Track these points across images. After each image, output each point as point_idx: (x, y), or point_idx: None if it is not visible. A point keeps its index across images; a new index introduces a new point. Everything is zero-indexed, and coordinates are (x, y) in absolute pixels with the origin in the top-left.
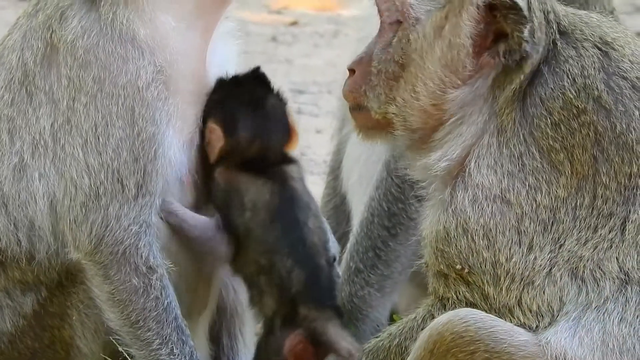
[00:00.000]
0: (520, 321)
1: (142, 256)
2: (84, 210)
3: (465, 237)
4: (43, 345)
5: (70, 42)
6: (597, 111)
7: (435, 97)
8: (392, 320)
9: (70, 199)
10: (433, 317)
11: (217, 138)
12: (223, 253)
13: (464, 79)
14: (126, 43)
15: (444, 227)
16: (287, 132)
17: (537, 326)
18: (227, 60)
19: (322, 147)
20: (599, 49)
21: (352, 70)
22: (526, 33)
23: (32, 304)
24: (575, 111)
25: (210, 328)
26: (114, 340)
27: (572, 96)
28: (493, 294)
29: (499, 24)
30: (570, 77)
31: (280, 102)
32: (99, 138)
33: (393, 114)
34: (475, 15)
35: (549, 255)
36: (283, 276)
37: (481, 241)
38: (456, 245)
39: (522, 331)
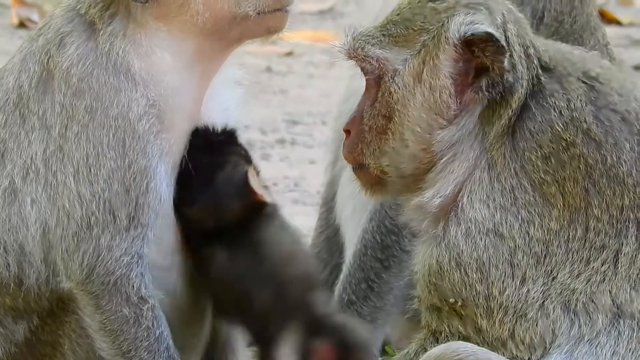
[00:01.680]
0: (513, 354)
1: (133, 286)
2: (75, 240)
3: (458, 271)
4: None
5: (66, 69)
6: (587, 144)
7: (423, 141)
8: (384, 352)
9: (63, 228)
10: (425, 351)
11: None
12: None
13: (450, 119)
14: (120, 74)
15: (437, 260)
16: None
17: (529, 359)
18: (227, 106)
19: (316, 178)
20: (584, 82)
21: (347, 131)
22: (506, 63)
23: (23, 331)
24: (564, 144)
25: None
26: None
27: (559, 129)
28: (486, 327)
29: (478, 58)
30: (556, 110)
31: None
32: (90, 168)
33: (387, 165)
34: (452, 54)
35: (542, 287)
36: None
37: (474, 274)
38: (449, 279)
39: None
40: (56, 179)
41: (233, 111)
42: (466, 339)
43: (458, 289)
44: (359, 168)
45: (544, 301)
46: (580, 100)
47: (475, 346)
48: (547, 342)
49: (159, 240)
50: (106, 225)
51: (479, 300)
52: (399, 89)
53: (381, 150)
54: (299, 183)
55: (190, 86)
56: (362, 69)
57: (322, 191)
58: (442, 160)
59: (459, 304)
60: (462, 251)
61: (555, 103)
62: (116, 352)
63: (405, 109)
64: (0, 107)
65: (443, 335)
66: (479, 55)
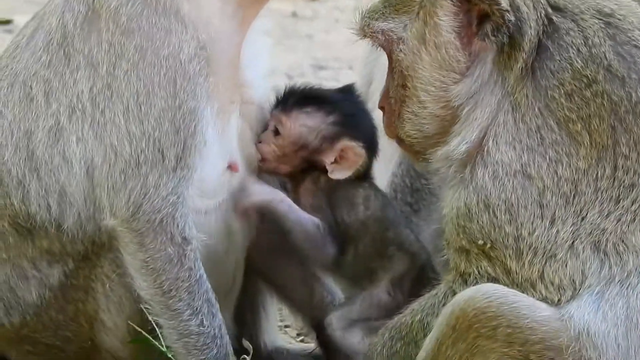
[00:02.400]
0: (542, 295)
1: (178, 226)
2: (123, 177)
3: (487, 213)
4: (67, 318)
5: (114, 8)
6: (609, 80)
7: (440, 99)
8: None
9: (110, 165)
10: (454, 293)
11: (358, 155)
12: (328, 254)
13: (462, 72)
14: (170, 15)
15: (465, 203)
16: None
17: (559, 300)
18: (258, 55)
19: None
20: (599, 19)
21: (382, 108)
22: (504, 4)
23: (58, 275)
24: (585, 81)
25: (234, 306)
26: (143, 308)
27: (579, 66)
28: (515, 268)
29: (476, 6)
30: (574, 47)
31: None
32: (140, 106)
33: (411, 130)
34: (450, 8)
35: (572, 228)
36: (413, 246)
37: (503, 216)
38: (478, 221)
39: (544, 306)
40: (104, 116)
41: (263, 59)
42: (495, 280)
43: (487, 231)
44: (400, 142)
45: (573, 241)
46: (598, 36)
47: (505, 288)
48: (577, 283)
49: (201, 184)
50: (155, 164)
51: (508, 241)
52: (407, 54)
53: (403, 118)
54: None
55: (234, 32)
56: (375, 44)
57: None
58: (465, 112)
59: (488, 245)
60: (490, 193)
61: (572, 41)
62: (156, 292)
63: (415, 72)
64: (44, 47)
65: (472, 277)
66: (477, 3)
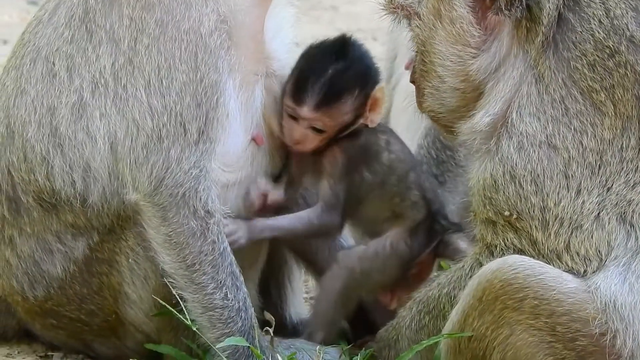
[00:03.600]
0: (569, 266)
1: (200, 199)
2: (145, 151)
3: (513, 184)
4: (91, 291)
5: None
6: (632, 51)
7: (458, 73)
8: (439, 267)
9: (132, 140)
10: (481, 265)
11: (382, 94)
12: (337, 225)
13: (478, 46)
14: None
15: (491, 174)
16: None
17: (585, 271)
18: (282, 27)
19: None
20: None
21: (414, 82)
22: None
23: (82, 249)
24: (608, 51)
25: (259, 279)
26: (167, 282)
27: (601, 37)
28: (541, 239)
29: None
30: (595, 19)
31: None
32: (162, 81)
33: (432, 104)
34: None
35: (597, 198)
36: (429, 192)
37: (529, 187)
38: (504, 192)
39: (570, 278)
40: (126, 91)
41: (287, 30)
42: (521, 252)
43: (513, 202)
44: (433, 119)
45: (599, 212)
46: (620, 8)
47: (532, 260)
48: (603, 254)
49: (224, 156)
50: (177, 138)
51: (534, 212)
52: (423, 29)
53: (424, 93)
54: None
55: (255, 4)
56: (398, 19)
57: None
58: (488, 86)
59: (514, 216)
60: (515, 164)
61: (593, 13)
62: (180, 266)
63: (432, 47)
64: (66, 23)
65: (498, 249)
66: None
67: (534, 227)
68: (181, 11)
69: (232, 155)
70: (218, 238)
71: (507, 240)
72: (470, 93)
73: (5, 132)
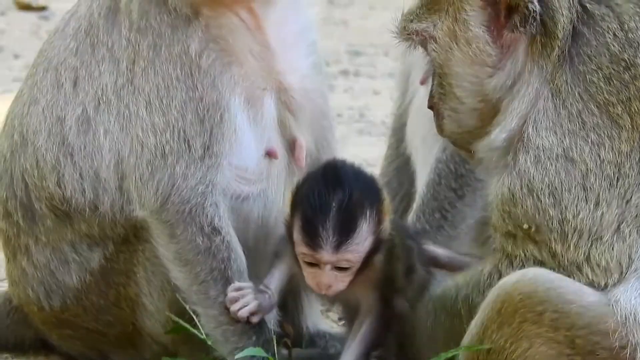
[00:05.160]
0: (589, 278)
1: (207, 216)
2: (150, 168)
3: (530, 197)
4: (108, 302)
5: (126, 4)
6: None
7: (476, 94)
8: None
9: (137, 157)
10: (500, 274)
11: (387, 202)
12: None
13: (495, 65)
14: (174, 12)
15: (509, 189)
16: None
17: (605, 284)
18: (297, 38)
19: (380, 108)
20: (635, 4)
21: (431, 107)
22: None
23: (98, 259)
24: (623, 64)
25: None
26: (180, 299)
27: (617, 50)
28: (561, 252)
29: None
30: (610, 32)
31: None
32: (162, 100)
33: (451, 126)
34: (477, 2)
35: (617, 210)
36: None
37: (547, 199)
38: (522, 206)
39: (591, 291)
40: (128, 109)
41: (305, 40)
42: (541, 264)
43: (531, 215)
44: (454, 143)
45: (619, 225)
46: (634, 20)
47: (552, 273)
48: (624, 266)
49: (238, 171)
50: (181, 154)
51: (552, 224)
52: (439, 52)
53: (443, 116)
54: (364, 114)
55: (246, 19)
56: (413, 46)
57: (389, 121)
58: (503, 104)
59: (533, 229)
60: (533, 177)
61: (607, 26)
62: (192, 282)
63: (449, 69)
64: (73, 34)
65: (518, 260)
66: None
67: (552, 239)
68: (169, 35)
69: (246, 170)
70: (229, 255)
71: (527, 251)
72: (488, 112)
73: (19, 140)
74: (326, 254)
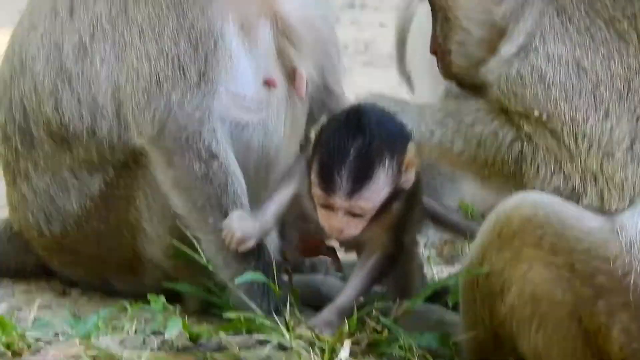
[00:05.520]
0: (604, 193)
1: (204, 142)
2: (146, 96)
3: (541, 84)
4: (109, 228)
5: None
6: None
7: (484, 23)
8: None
9: (132, 85)
10: (522, 147)
11: (413, 154)
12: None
13: None
14: None
15: (517, 71)
16: None
17: (617, 207)
18: None
19: (386, 40)
20: None
21: (434, 52)
22: None
23: (98, 185)
24: None
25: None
26: (180, 225)
27: None
28: (574, 150)
29: None
30: None
31: None
32: (154, 28)
33: (461, 61)
34: None
35: (627, 127)
36: None
37: (558, 93)
38: (531, 89)
39: (592, 216)
40: (123, 38)
41: None
42: (558, 161)
43: (542, 102)
44: (457, 82)
45: (632, 144)
46: None
47: (552, 197)
48: (636, 190)
49: (239, 98)
50: (176, 82)
51: (564, 118)
52: None
53: (452, 51)
54: (369, 46)
55: None
56: None
57: (392, 54)
58: (509, 28)
59: (544, 118)
60: (544, 72)
61: None
62: (191, 209)
63: (455, 1)
64: None
65: (534, 142)
66: None
67: (565, 132)
68: None
69: (244, 97)
70: (227, 180)
71: (546, 140)
72: (496, 40)
73: (19, 65)
74: (339, 200)
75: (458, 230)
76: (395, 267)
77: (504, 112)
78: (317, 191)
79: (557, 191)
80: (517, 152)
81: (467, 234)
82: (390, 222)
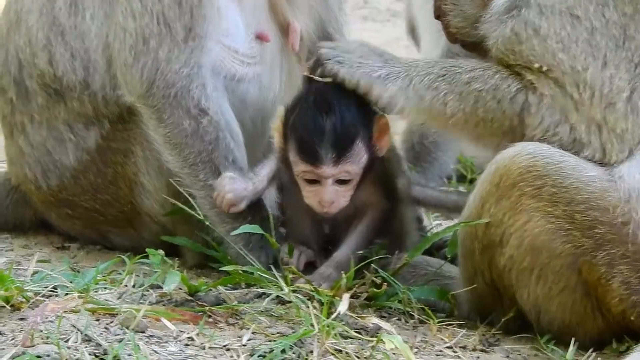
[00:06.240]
0: (607, 145)
1: (193, 97)
2: (133, 53)
3: (536, 37)
4: (106, 181)
5: None
6: None
7: None
8: (459, 162)
9: (120, 43)
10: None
11: (385, 121)
12: None
13: None
14: None
15: (512, 29)
16: None
17: (617, 158)
18: None
19: None
20: None
21: (438, 17)
22: None
23: (95, 138)
24: None
25: None
26: (173, 182)
27: None
28: (577, 98)
29: None
30: None
31: None
32: None
33: (456, 21)
34: None
35: (627, 75)
36: None
37: (554, 44)
38: (528, 44)
39: (591, 166)
40: None
41: None
42: (565, 112)
43: (540, 54)
44: (462, 45)
45: (631, 93)
46: None
47: (551, 148)
48: (635, 141)
49: (231, 51)
50: (163, 38)
51: (564, 67)
52: None
53: (447, 12)
54: (368, 0)
55: None
56: None
57: (391, 8)
58: None
59: (545, 68)
60: (538, 26)
61: None
62: (183, 165)
63: None
64: None
65: (538, 92)
66: None
67: (567, 82)
68: None
69: (236, 51)
70: (217, 136)
71: (550, 87)
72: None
73: (14, 18)
74: (327, 168)
75: (442, 205)
76: (391, 219)
77: (505, 67)
78: (302, 167)
79: (558, 143)
80: (521, 103)
81: (451, 207)
82: (375, 184)
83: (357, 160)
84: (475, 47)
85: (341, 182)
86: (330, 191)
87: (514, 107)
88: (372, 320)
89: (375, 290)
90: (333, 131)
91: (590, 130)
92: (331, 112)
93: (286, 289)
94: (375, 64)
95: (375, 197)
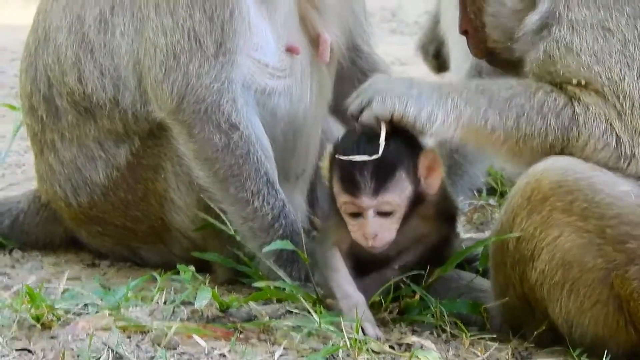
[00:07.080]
0: None
1: (224, 113)
2: (164, 69)
3: (570, 54)
4: (136, 198)
5: None
6: None
7: None
8: (489, 175)
9: (150, 58)
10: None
11: (435, 156)
12: None
13: None
14: None
15: (545, 51)
16: None
17: None
18: None
19: (413, 7)
20: None
21: (465, 32)
22: None
23: (125, 155)
24: None
25: (307, 191)
26: (204, 197)
27: None
28: (620, 109)
29: None
30: None
31: None
32: (169, 1)
33: (495, 33)
34: None
35: None
36: None
37: (588, 58)
38: (562, 64)
39: (622, 181)
40: (140, 11)
41: None
42: (607, 121)
43: (575, 69)
44: (490, 58)
45: None
46: None
47: (583, 162)
48: None
49: (261, 66)
50: (193, 54)
51: (601, 79)
52: None
53: (486, 24)
54: (396, 13)
55: None
56: None
57: (419, 21)
58: None
59: (584, 82)
60: (570, 42)
61: None
62: (213, 180)
63: None
64: None
65: (582, 105)
66: None
67: (607, 93)
68: None
69: (267, 65)
70: (248, 150)
71: (592, 97)
72: (527, 10)
73: (43, 36)
74: (366, 199)
75: None
76: (442, 250)
77: (547, 82)
78: (343, 198)
79: (604, 159)
80: (570, 116)
81: None
82: (430, 220)
83: (399, 191)
84: (505, 63)
85: (384, 214)
86: (373, 223)
87: (561, 121)
88: (407, 337)
89: (408, 300)
90: (373, 161)
91: (633, 141)
92: (373, 142)
93: (317, 320)
94: (403, 87)
95: (431, 230)
